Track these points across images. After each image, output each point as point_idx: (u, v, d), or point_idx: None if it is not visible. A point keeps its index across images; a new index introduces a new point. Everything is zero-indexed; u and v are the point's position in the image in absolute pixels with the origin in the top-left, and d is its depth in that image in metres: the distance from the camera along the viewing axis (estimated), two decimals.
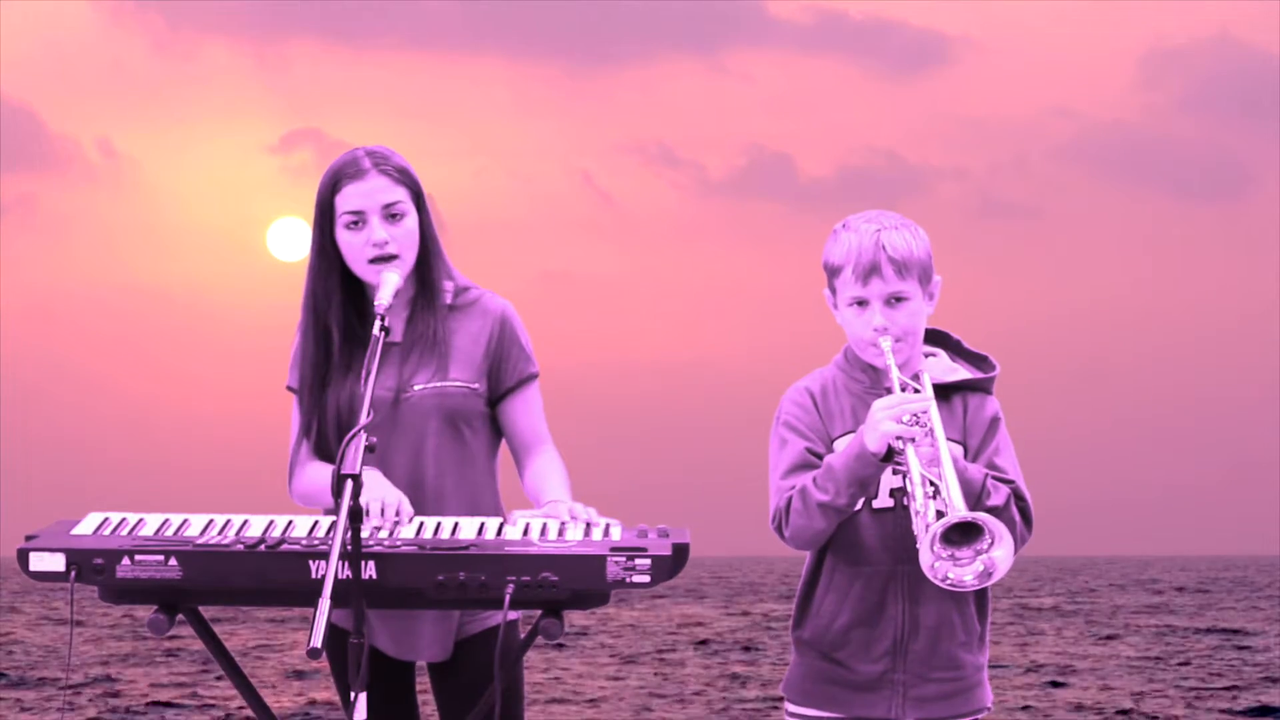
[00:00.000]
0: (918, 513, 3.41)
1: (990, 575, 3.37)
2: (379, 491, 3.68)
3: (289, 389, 4.02)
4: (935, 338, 3.78)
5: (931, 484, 3.43)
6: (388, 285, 3.79)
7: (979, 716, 3.73)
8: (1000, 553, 3.36)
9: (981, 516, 3.36)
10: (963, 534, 3.37)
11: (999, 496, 3.56)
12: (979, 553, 3.37)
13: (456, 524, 3.67)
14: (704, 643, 28.91)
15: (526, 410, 4.01)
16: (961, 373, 3.73)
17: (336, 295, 3.93)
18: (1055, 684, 21.22)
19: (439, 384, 3.92)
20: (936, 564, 3.36)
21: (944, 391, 3.67)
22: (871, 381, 3.70)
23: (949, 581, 3.38)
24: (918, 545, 3.38)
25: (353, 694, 3.36)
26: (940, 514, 3.38)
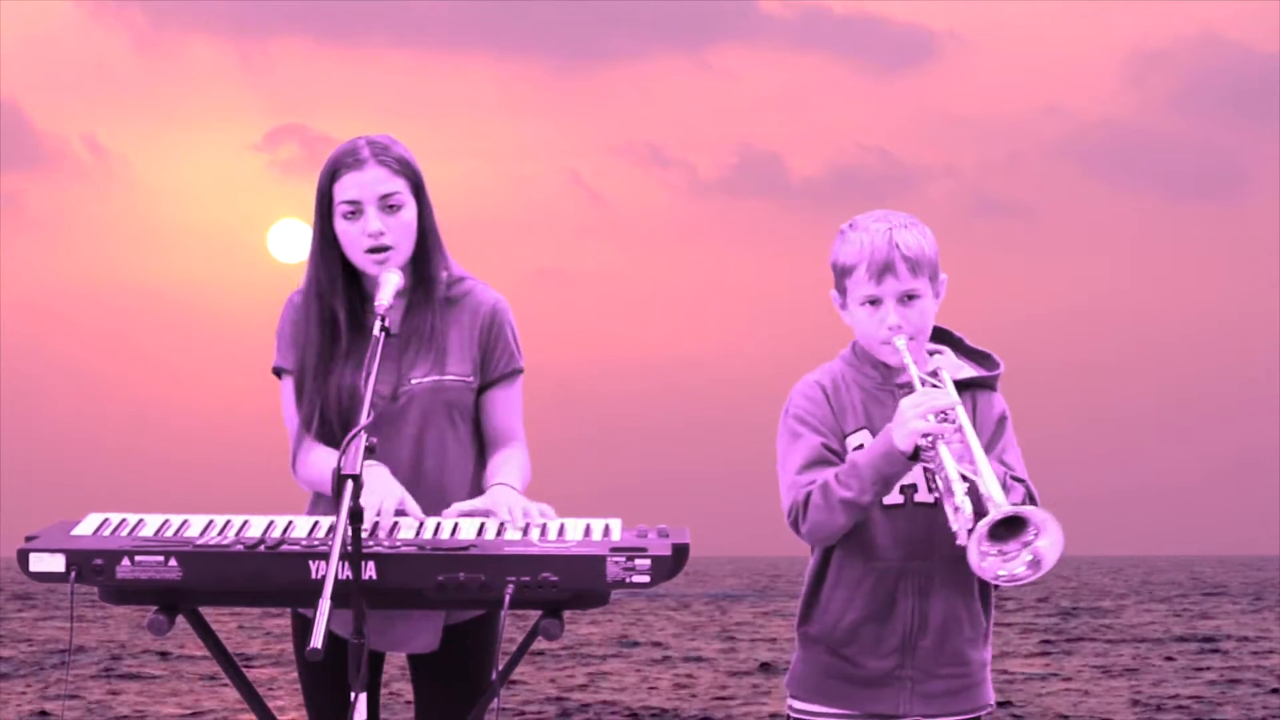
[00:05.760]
0: (957, 509, 3.38)
1: (1040, 564, 3.34)
2: (376, 496, 3.65)
3: (277, 370, 3.99)
4: (938, 335, 3.77)
5: (965, 479, 3.40)
6: (388, 285, 3.78)
7: (982, 713, 3.73)
8: (1045, 542, 3.34)
9: (1025, 509, 3.34)
10: (1007, 528, 3.34)
11: (1015, 495, 3.55)
12: (1025, 544, 3.35)
13: (456, 524, 3.67)
14: None
15: (506, 404, 4.00)
16: (968, 370, 3.73)
17: (340, 281, 3.93)
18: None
19: (437, 377, 3.92)
20: (985, 561, 3.34)
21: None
22: (883, 378, 3.70)
23: (1002, 577, 3.36)
24: (963, 544, 3.33)
25: (353, 694, 3.36)
26: (979, 512, 3.35)
